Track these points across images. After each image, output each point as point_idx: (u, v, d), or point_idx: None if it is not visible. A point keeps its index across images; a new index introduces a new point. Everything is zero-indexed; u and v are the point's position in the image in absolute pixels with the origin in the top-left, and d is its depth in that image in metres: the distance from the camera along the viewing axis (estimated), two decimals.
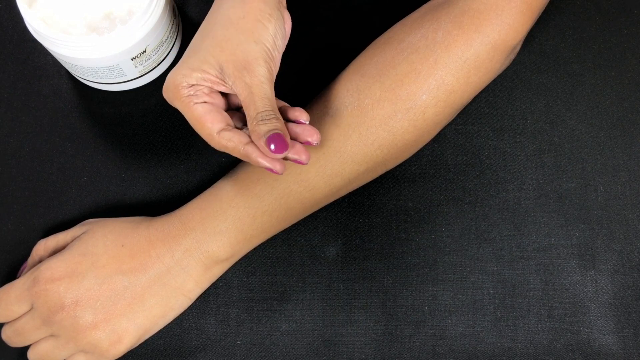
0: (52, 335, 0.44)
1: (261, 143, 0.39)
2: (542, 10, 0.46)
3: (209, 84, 0.41)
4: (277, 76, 0.52)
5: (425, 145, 0.49)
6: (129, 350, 0.44)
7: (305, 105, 0.47)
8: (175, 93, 0.40)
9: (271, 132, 0.39)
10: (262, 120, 0.39)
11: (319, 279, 0.48)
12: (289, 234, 0.48)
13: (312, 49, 0.53)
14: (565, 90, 0.51)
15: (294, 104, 0.48)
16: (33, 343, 0.44)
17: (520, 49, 0.49)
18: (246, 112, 0.40)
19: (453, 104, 0.45)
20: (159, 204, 0.50)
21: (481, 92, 0.49)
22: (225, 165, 0.50)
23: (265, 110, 0.40)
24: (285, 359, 0.47)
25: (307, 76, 0.52)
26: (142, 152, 0.51)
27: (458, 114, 0.49)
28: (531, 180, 0.50)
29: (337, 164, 0.44)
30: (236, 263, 0.47)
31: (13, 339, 0.44)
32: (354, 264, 0.48)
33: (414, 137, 0.45)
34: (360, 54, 0.47)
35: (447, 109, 0.45)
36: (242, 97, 0.40)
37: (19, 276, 0.47)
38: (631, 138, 0.50)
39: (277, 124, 0.40)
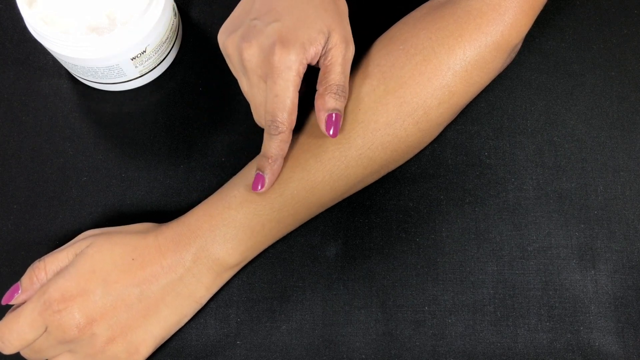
0: (70, 351, 0.43)
1: (322, 114, 0.42)
2: (542, 7, 0.46)
3: (311, 59, 0.42)
4: None
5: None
6: (145, 358, 0.44)
7: (309, 107, 0.47)
8: (296, 69, 0.41)
9: (335, 112, 0.42)
10: (335, 93, 0.42)
11: (319, 279, 0.48)
12: (289, 234, 0.48)
13: None
14: (565, 90, 0.51)
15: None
16: (51, 358, 0.44)
17: (520, 49, 0.49)
18: (324, 77, 0.43)
19: (456, 105, 0.45)
20: (159, 204, 0.50)
21: (481, 92, 0.49)
22: (226, 166, 0.50)
23: (343, 85, 0.43)
24: (285, 359, 0.47)
25: (309, 78, 0.52)
26: (142, 152, 0.51)
27: (458, 114, 0.49)
28: (531, 180, 0.50)
29: (342, 167, 0.44)
30: None
31: (32, 356, 0.44)
32: (354, 264, 0.48)
33: (417, 139, 0.45)
34: (363, 56, 0.47)
35: (450, 109, 0.45)
36: (329, 63, 0.42)
37: (13, 298, 0.44)
38: (631, 138, 0.50)
39: (343, 105, 0.43)
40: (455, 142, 0.50)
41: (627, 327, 0.47)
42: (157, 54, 0.50)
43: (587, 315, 0.47)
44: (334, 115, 0.42)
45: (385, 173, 0.48)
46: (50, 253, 0.45)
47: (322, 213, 0.49)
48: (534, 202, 0.49)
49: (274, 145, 0.43)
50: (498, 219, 0.49)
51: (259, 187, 0.43)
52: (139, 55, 0.48)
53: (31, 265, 0.45)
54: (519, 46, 0.47)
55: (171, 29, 0.50)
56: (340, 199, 0.47)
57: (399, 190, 0.50)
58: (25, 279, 0.44)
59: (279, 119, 0.42)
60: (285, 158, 0.45)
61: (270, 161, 0.43)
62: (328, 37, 0.42)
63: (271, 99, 0.41)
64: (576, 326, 0.47)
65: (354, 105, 0.45)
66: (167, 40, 0.50)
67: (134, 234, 0.45)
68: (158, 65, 0.51)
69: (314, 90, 0.44)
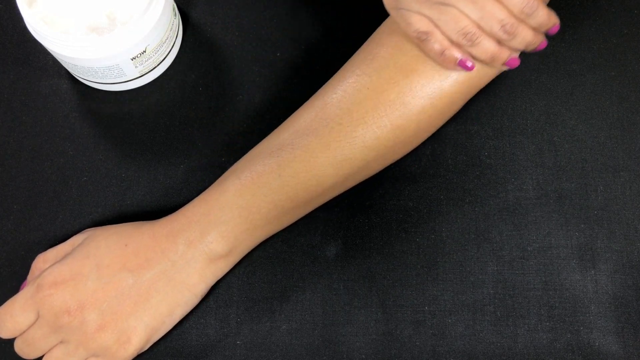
0: (62, 342, 0.43)
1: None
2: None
3: None
4: (285, 66, 0.52)
5: (425, 145, 0.49)
6: (138, 352, 0.44)
7: (313, 88, 0.46)
8: None
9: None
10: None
11: (319, 279, 0.48)
12: (289, 234, 0.48)
13: (317, 43, 0.53)
14: (565, 90, 0.52)
15: (301, 93, 0.47)
16: (45, 353, 0.44)
17: None
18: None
19: (472, 79, 0.44)
20: (159, 204, 0.50)
21: (481, 92, 0.49)
22: (226, 166, 0.50)
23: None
24: (285, 359, 0.47)
25: (311, 72, 0.52)
26: (142, 152, 0.51)
27: (458, 113, 0.49)
28: (531, 180, 0.50)
29: (347, 148, 0.43)
30: (236, 263, 0.47)
31: (25, 350, 0.44)
32: (354, 264, 0.48)
33: (429, 117, 0.44)
34: (368, 40, 0.46)
35: (464, 84, 0.44)
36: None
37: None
38: (631, 138, 0.50)
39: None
40: (455, 142, 0.50)
41: (627, 327, 0.47)
42: (157, 54, 0.50)
43: (587, 315, 0.47)
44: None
45: (392, 161, 0.47)
46: (52, 247, 0.46)
47: (322, 213, 0.49)
48: (534, 202, 0.49)
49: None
50: (498, 219, 0.49)
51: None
52: (139, 55, 0.48)
53: (35, 258, 0.46)
54: None
55: (171, 29, 0.50)
56: (343, 188, 0.46)
57: (399, 190, 0.50)
58: (30, 273, 0.46)
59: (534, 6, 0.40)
60: (287, 143, 0.44)
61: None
62: None
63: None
64: (576, 326, 0.47)
65: (360, 84, 0.44)
66: (167, 40, 0.50)
67: (130, 226, 0.46)
68: (158, 65, 0.51)
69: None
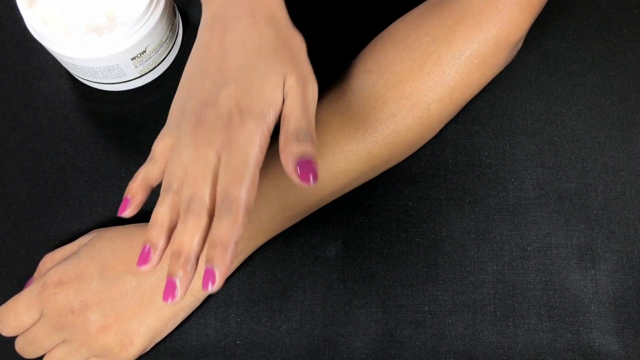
0: (64, 342, 0.43)
1: (290, 166, 0.35)
2: (543, 5, 0.46)
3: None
4: None
5: (425, 145, 0.49)
6: (140, 353, 0.44)
7: None
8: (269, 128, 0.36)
9: (303, 157, 0.35)
10: (297, 140, 0.35)
11: (319, 279, 0.48)
12: (289, 234, 0.48)
13: (311, 49, 0.53)
14: (565, 90, 0.51)
15: None
16: (47, 352, 0.44)
17: (520, 49, 0.49)
18: (283, 126, 0.36)
19: (457, 100, 0.45)
20: None
21: (481, 92, 0.49)
22: None
23: (305, 130, 0.36)
24: (285, 359, 0.47)
25: None
26: (142, 152, 0.51)
27: (458, 113, 0.49)
28: (531, 180, 0.50)
29: (341, 162, 0.44)
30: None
31: (26, 349, 0.44)
32: (354, 264, 0.48)
33: (418, 134, 0.46)
34: (361, 53, 0.47)
35: (451, 105, 0.45)
36: (286, 111, 0.36)
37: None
38: (631, 138, 0.50)
39: (312, 149, 0.35)
40: (456, 141, 0.50)
41: (627, 327, 0.47)
42: (157, 54, 0.50)
43: (587, 315, 0.47)
44: (304, 160, 0.35)
45: (386, 168, 0.48)
46: (59, 248, 0.47)
47: (322, 213, 0.49)
48: (534, 202, 0.49)
49: (224, 229, 0.34)
50: (498, 219, 0.49)
51: (210, 285, 0.34)
52: (139, 55, 0.48)
53: (43, 257, 0.47)
54: (520, 43, 0.47)
55: (171, 29, 0.50)
56: (340, 194, 0.47)
57: (399, 190, 0.50)
58: (37, 271, 0.46)
59: (233, 196, 0.34)
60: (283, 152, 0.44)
61: (219, 250, 0.34)
62: (283, 85, 0.37)
63: (226, 169, 0.35)
64: (576, 326, 0.47)
65: (353, 101, 0.45)
66: (167, 40, 0.50)
67: (134, 227, 0.46)
68: (158, 65, 0.51)
69: None
